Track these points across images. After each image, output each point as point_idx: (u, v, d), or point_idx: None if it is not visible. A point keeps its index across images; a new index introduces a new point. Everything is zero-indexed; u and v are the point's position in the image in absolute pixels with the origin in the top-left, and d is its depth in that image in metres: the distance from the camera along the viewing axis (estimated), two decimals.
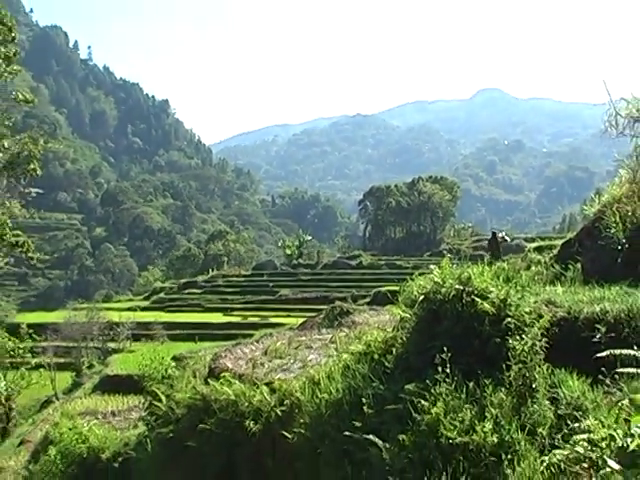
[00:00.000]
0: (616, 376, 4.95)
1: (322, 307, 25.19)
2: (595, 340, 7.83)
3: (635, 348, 4.18)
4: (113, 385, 29.41)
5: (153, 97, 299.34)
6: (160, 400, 12.47)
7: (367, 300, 42.16)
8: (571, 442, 3.74)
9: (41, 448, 20.60)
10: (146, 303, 77.69)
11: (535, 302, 8.76)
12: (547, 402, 7.58)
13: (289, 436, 9.19)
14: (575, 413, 7.00)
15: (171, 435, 11.57)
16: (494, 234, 27.81)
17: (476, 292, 8.21)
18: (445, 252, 56.28)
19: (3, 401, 32.80)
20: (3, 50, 32.92)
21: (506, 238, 26.97)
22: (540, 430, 7.17)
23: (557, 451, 4.20)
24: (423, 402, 7.35)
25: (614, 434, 3.17)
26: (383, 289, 43.44)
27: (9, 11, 35.03)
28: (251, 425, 10.03)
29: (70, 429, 18.92)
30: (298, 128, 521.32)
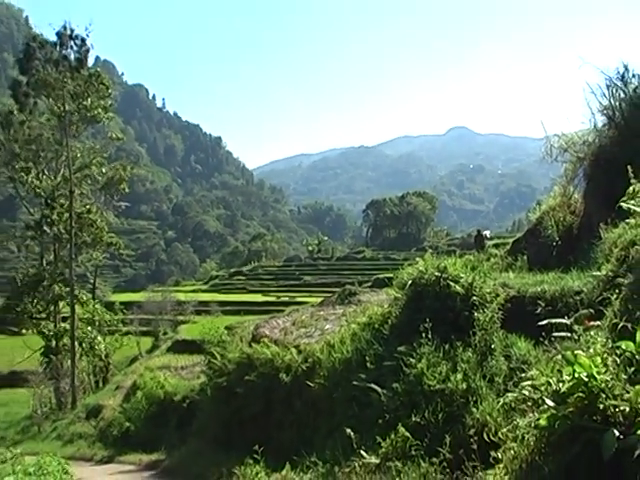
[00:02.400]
0: (552, 339, 4.97)
1: (336, 290, 25.11)
2: (537, 312, 7.82)
3: (566, 318, 4.20)
4: (182, 347, 29.39)
5: (210, 135, 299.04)
6: (216, 358, 12.57)
7: (369, 284, 41.62)
8: (519, 387, 3.77)
9: (131, 392, 20.79)
10: (205, 287, 77.78)
11: (494, 285, 8.76)
12: (502, 358, 7.61)
13: (312, 385, 9.25)
14: (523, 366, 7.02)
15: (224, 384, 11.68)
16: (479, 232, 25.95)
17: (450, 278, 8.23)
18: (427, 248, 55.76)
19: (104, 357, 33.13)
20: (103, 102, 33.66)
21: (488, 236, 26.45)
22: (497, 379, 7.20)
23: (509, 394, 4.23)
24: (411, 359, 7.39)
25: (550, 381, 3.20)
26: (381, 276, 43.03)
27: (107, 75, 35.96)
28: (283, 377, 10.12)
29: (151, 379, 19.17)
30: (317, 156, 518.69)
